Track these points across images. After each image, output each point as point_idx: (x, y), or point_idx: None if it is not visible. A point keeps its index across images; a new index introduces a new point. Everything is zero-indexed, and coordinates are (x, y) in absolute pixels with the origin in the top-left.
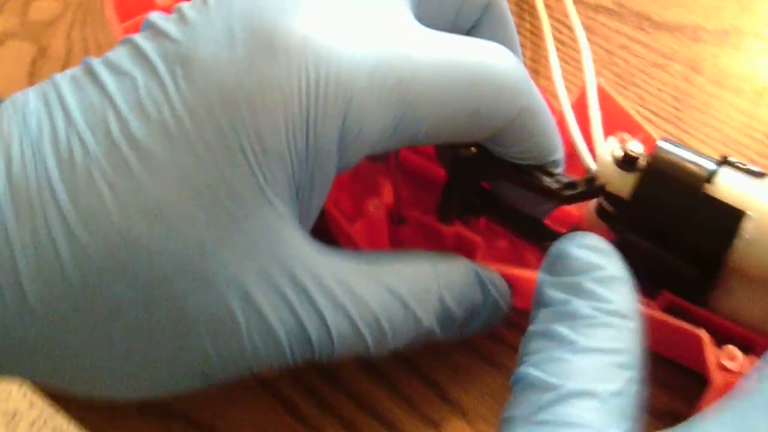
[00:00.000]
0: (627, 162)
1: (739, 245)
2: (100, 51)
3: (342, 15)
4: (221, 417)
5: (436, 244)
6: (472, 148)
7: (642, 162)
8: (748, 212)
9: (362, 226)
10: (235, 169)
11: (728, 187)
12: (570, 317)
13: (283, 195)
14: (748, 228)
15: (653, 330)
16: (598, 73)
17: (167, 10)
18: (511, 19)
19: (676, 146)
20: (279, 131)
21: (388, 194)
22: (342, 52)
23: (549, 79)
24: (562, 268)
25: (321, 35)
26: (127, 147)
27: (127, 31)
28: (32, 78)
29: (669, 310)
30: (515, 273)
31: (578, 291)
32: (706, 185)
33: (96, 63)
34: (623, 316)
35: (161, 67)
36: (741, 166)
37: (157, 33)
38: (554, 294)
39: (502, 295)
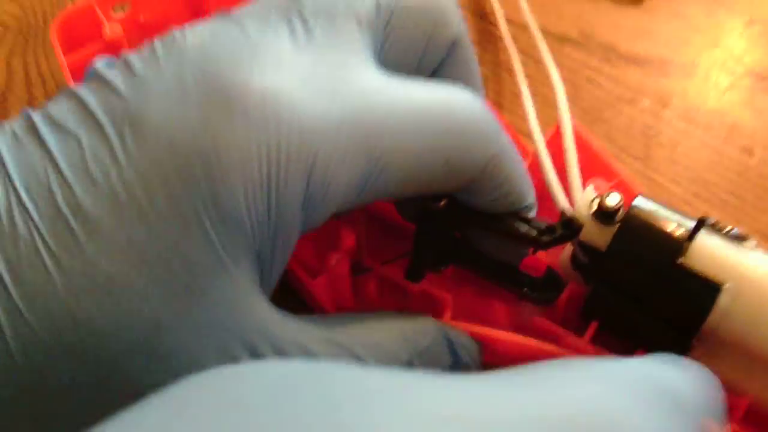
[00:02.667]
0: (604, 216)
1: (715, 316)
2: (42, 80)
3: (301, 66)
4: None
5: (401, 301)
6: (442, 201)
7: (619, 216)
8: (725, 285)
9: (324, 282)
10: (191, 239)
11: (705, 255)
12: None
13: (242, 263)
14: (724, 300)
15: None
16: None
17: (115, 43)
18: (474, 58)
19: (654, 204)
20: (237, 196)
21: (350, 242)
22: (304, 107)
23: (514, 113)
24: None
25: (280, 90)
26: (73, 217)
27: (72, 66)
28: None
29: None
30: (485, 332)
31: None
32: (682, 253)
33: (38, 119)
34: None
35: (108, 126)
36: (719, 228)
37: (103, 86)
38: None
39: (472, 357)
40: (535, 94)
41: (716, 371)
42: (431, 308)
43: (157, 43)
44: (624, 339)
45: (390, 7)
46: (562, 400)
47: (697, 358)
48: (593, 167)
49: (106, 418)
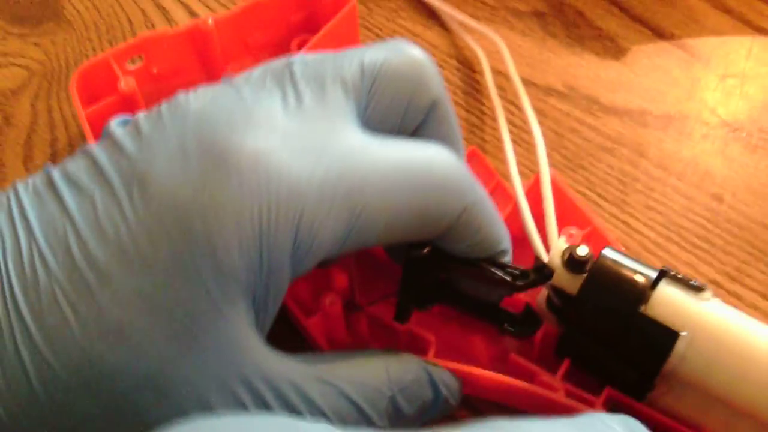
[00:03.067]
0: (574, 264)
1: (673, 361)
2: (64, 122)
3: (291, 129)
4: None
5: (390, 338)
6: (424, 249)
7: (588, 265)
8: (682, 333)
9: (319, 320)
10: (191, 289)
11: (664, 304)
12: None
13: (238, 308)
14: (681, 347)
15: None
16: (548, 155)
17: (129, 95)
18: (453, 117)
19: (619, 255)
20: (232, 249)
21: (343, 283)
22: (291, 167)
23: (503, 161)
24: None
25: (271, 152)
26: (87, 269)
27: (90, 117)
28: None
29: (612, 403)
30: (466, 370)
31: None
32: (644, 302)
33: (57, 176)
34: None
35: (117, 185)
36: (680, 278)
37: (114, 146)
38: None
39: (452, 393)
40: (520, 141)
41: (677, 408)
42: (417, 346)
43: (164, 105)
44: (594, 376)
45: (374, 73)
46: None
47: (659, 396)
48: (569, 215)
49: None
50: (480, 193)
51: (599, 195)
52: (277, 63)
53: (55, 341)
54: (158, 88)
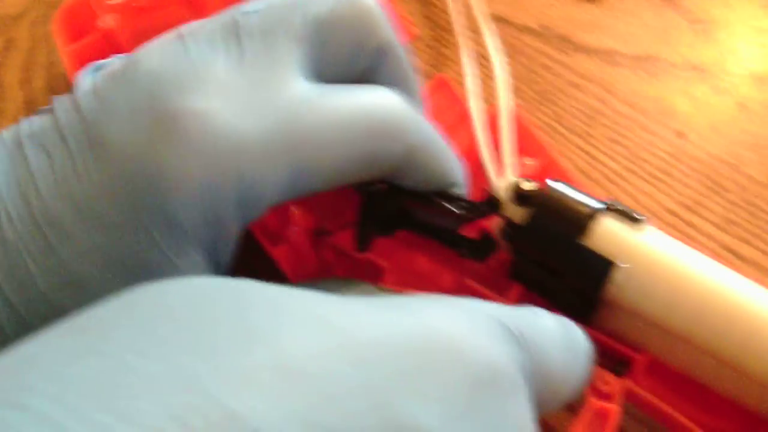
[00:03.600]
0: (520, 198)
1: (611, 289)
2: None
3: (235, 85)
4: None
5: (351, 266)
6: (380, 185)
7: (533, 198)
8: (617, 263)
9: (285, 250)
10: (143, 242)
11: (603, 235)
12: None
13: (190, 258)
14: (617, 276)
15: None
16: (520, 90)
17: (110, 33)
18: (405, 59)
19: (565, 188)
20: (179, 205)
21: (310, 211)
22: (235, 124)
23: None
24: None
25: (215, 110)
26: (48, 226)
27: (73, 54)
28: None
29: None
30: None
31: None
32: (584, 234)
33: (24, 134)
34: None
35: (74, 146)
36: (620, 210)
37: (74, 106)
38: None
39: None
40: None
41: (621, 331)
42: (375, 273)
43: (119, 64)
44: (544, 299)
45: (319, 20)
46: (418, 323)
47: (603, 319)
48: (528, 146)
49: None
50: (425, 132)
51: (566, 128)
52: (227, 15)
53: (24, 293)
54: (141, 22)
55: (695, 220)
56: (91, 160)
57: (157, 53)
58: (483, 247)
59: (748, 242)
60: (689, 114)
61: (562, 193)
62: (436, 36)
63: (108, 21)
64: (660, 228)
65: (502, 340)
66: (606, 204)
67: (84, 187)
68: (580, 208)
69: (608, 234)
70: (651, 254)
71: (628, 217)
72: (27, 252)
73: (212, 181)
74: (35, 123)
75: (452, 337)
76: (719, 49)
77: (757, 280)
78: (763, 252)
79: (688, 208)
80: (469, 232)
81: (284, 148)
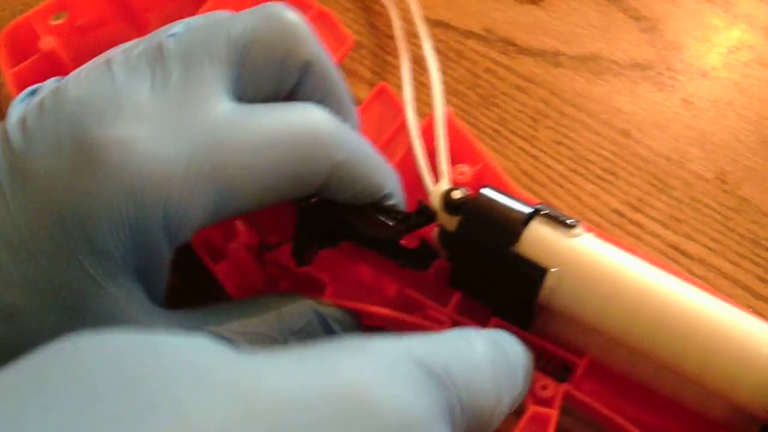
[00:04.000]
0: (450, 207)
1: (545, 294)
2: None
3: (158, 112)
4: None
5: (293, 281)
6: (313, 199)
7: (464, 206)
8: (550, 269)
9: (226, 266)
10: (72, 271)
11: (535, 242)
12: None
13: (119, 282)
14: (550, 282)
15: None
16: (463, 94)
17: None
18: (332, 73)
19: (497, 194)
20: (104, 235)
21: (251, 227)
22: (157, 151)
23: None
24: None
25: (137, 139)
26: None
27: (16, 76)
28: None
29: None
30: (358, 306)
31: None
32: (516, 240)
33: None
34: None
35: (3, 179)
36: (551, 216)
37: (4, 138)
38: None
39: (344, 329)
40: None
41: (561, 335)
42: (316, 287)
43: (47, 95)
44: (484, 306)
45: (242, 41)
46: (328, 377)
47: (542, 325)
48: (463, 152)
49: None
50: (353, 147)
51: (511, 131)
52: (153, 38)
53: None
54: (84, 41)
55: (641, 218)
56: (19, 193)
57: (83, 82)
58: (422, 256)
59: (693, 239)
60: (633, 113)
61: (493, 200)
62: (380, 43)
63: (50, 42)
64: (605, 228)
65: (421, 384)
66: (538, 209)
67: (12, 218)
68: (511, 214)
69: (541, 240)
70: (583, 258)
71: (560, 222)
72: None
73: (137, 209)
74: None
75: (365, 391)
76: (663, 46)
77: (703, 276)
78: (709, 248)
79: (634, 207)
80: (410, 242)
81: (208, 171)
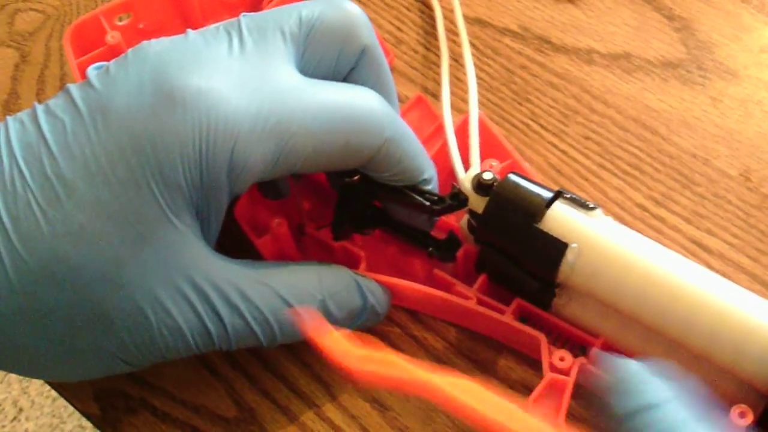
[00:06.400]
0: (481, 188)
1: (565, 269)
2: None
3: (232, 70)
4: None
5: (329, 257)
6: (355, 177)
7: (493, 186)
8: (571, 244)
9: (268, 240)
10: (142, 199)
11: (557, 220)
12: None
13: (183, 217)
14: (570, 257)
15: (508, 331)
16: (498, 90)
17: (116, 48)
18: (384, 63)
19: (522, 180)
20: (176, 167)
21: (295, 209)
22: (230, 100)
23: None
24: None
25: (212, 88)
26: (56, 181)
27: (81, 66)
28: (14, 82)
29: (522, 312)
30: (391, 282)
31: None
32: (539, 219)
33: (39, 110)
34: None
35: (85, 113)
36: (573, 198)
37: (87, 84)
38: None
39: (379, 301)
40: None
41: (578, 317)
42: (351, 262)
43: (131, 50)
44: (507, 289)
45: (310, 23)
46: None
47: (561, 306)
48: (494, 150)
49: None
50: (400, 129)
51: (541, 126)
52: (231, 19)
53: (29, 241)
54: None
55: (664, 213)
56: (100, 126)
57: (163, 41)
58: (449, 246)
59: (714, 234)
60: (662, 110)
61: (519, 184)
62: (420, 39)
63: (116, 37)
64: (628, 222)
65: None
66: (560, 191)
67: (92, 147)
68: (536, 196)
69: (562, 219)
70: (601, 236)
71: (580, 204)
72: (36, 204)
73: (207, 148)
74: (50, 102)
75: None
76: (695, 45)
77: (721, 270)
78: (729, 244)
79: (657, 202)
80: (439, 234)
81: (272, 125)
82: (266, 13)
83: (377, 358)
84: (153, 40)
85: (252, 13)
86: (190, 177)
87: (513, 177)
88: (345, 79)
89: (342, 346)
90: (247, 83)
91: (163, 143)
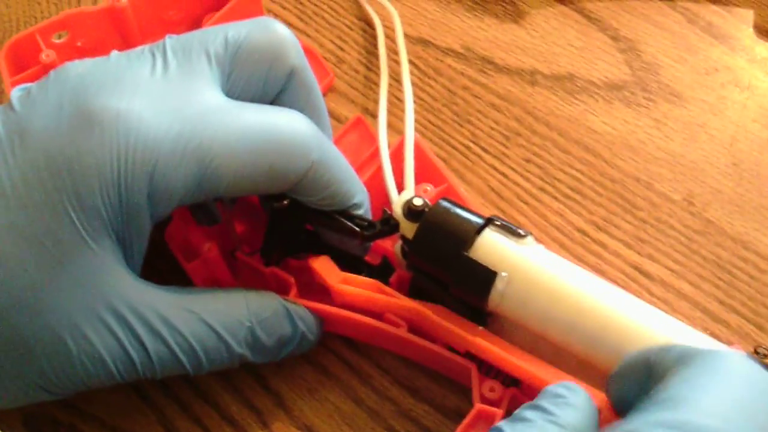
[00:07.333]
0: (411, 214)
1: (495, 298)
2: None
3: (154, 91)
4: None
5: (261, 282)
6: (285, 201)
7: (424, 213)
8: (501, 273)
9: (198, 265)
10: (59, 223)
11: (487, 248)
12: None
13: (102, 241)
14: (500, 286)
15: (439, 359)
16: (440, 111)
17: (51, 66)
18: (314, 85)
19: (453, 205)
20: (94, 190)
21: (227, 233)
22: (150, 122)
23: (399, 118)
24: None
25: (132, 109)
26: None
27: (15, 84)
28: None
29: None
30: (321, 308)
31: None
32: (469, 246)
33: None
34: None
35: (3, 136)
36: (504, 226)
37: (8, 106)
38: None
39: (310, 328)
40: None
41: (513, 342)
42: (282, 288)
43: (53, 71)
44: None
45: (236, 44)
46: None
47: (495, 332)
48: (428, 174)
49: None
50: (328, 152)
51: (482, 148)
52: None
53: None
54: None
55: (604, 238)
56: (17, 146)
57: (86, 62)
58: (382, 270)
59: (656, 260)
60: (605, 132)
61: (450, 210)
62: (364, 60)
63: (51, 56)
64: (568, 247)
65: None
66: (491, 219)
67: (9, 170)
68: (466, 222)
69: (492, 247)
70: (530, 266)
71: (511, 231)
72: None
73: (126, 170)
74: None
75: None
76: (640, 67)
77: (662, 297)
78: (671, 270)
79: (598, 227)
80: (373, 259)
81: (193, 149)
82: (192, 35)
83: (358, 280)
84: (77, 61)
85: (177, 35)
86: (108, 200)
87: (444, 203)
88: (274, 102)
89: (326, 265)
90: (168, 105)
91: (80, 166)
